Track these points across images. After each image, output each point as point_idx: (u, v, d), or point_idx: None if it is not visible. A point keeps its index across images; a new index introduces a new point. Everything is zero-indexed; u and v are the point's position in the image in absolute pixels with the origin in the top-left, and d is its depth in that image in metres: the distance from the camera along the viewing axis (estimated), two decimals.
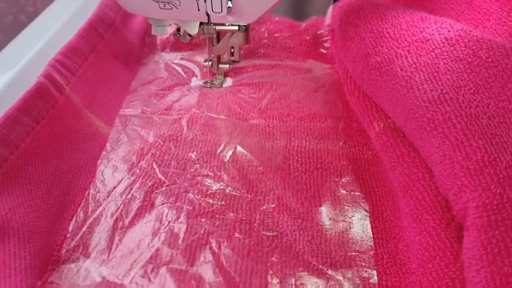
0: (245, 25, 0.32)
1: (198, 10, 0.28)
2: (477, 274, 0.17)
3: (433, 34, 0.26)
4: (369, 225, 0.24)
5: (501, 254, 0.16)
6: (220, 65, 0.35)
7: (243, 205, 0.24)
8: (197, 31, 0.31)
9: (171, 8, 0.28)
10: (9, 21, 0.54)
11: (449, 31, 0.26)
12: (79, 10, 0.36)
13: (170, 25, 0.32)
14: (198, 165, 0.27)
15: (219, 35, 0.34)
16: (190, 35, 0.33)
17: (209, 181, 0.26)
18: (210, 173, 0.26)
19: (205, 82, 0.35)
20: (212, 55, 0.34)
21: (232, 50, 0.34)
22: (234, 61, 0.36)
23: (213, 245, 0.22)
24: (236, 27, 0.32)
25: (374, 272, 0.21)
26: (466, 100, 0.22)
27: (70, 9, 0.36)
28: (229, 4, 0.28)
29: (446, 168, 0.20)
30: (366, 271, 0.21)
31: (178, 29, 0.33)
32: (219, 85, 0.34)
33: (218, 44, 0.34)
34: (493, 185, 0.18)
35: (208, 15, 0.28)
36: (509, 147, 0.20)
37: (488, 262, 0.16)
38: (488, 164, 0.18)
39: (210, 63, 0.35)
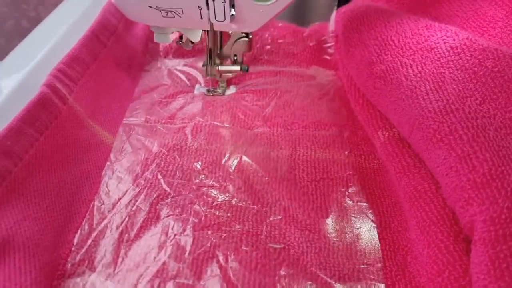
0: (248, 32, 0.32)
1: (201, 18, 0.28)
2: None
3: (438, 43, 0.26)
4: (377, 236, 0.24)
5: (509, 269, 0.16)
6: (223, 73, 0.35)
7: (250, 217, 0.24)
8: (200, 38, 0.31)
9: (174, 17, 0.28)
10: (10, 25, 0.54)
11: (454, 39, 0.26)
12: (84, 15, 0.35)
13: (173, 32, 0.32)
14: (203, 175, 0.27)
15: (222, 43, 0.33)
16: (192, 42, 0.32)
17: (215, 192, 0.26)
18: (216, 184, 0.26)
19: (208, 91, 0.34)
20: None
21: (235, 58, 0.34)
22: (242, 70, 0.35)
23: (220, 258, 0.22)
24: (240, 35, 0.32)
25: (383, 285, 0.21)
26: (473, 111, 0.22)
27: (74, 14, 0.36)
28: (232, 12, 0.28)
29: (452, 180, 0.20)
30: (374, 285, 0.21)
31: (181, 37, 0.33)
32: (221, 93, 0.34)
33: (221, 51, 0.33)
34: (500, 199, 0.18)
35: (211, 23, 0.28)
36: None
37: (496, 277, 0.16)
38: (495, 177, 0.18)
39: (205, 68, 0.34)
